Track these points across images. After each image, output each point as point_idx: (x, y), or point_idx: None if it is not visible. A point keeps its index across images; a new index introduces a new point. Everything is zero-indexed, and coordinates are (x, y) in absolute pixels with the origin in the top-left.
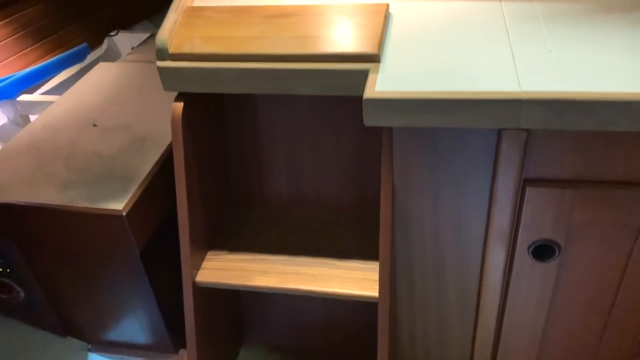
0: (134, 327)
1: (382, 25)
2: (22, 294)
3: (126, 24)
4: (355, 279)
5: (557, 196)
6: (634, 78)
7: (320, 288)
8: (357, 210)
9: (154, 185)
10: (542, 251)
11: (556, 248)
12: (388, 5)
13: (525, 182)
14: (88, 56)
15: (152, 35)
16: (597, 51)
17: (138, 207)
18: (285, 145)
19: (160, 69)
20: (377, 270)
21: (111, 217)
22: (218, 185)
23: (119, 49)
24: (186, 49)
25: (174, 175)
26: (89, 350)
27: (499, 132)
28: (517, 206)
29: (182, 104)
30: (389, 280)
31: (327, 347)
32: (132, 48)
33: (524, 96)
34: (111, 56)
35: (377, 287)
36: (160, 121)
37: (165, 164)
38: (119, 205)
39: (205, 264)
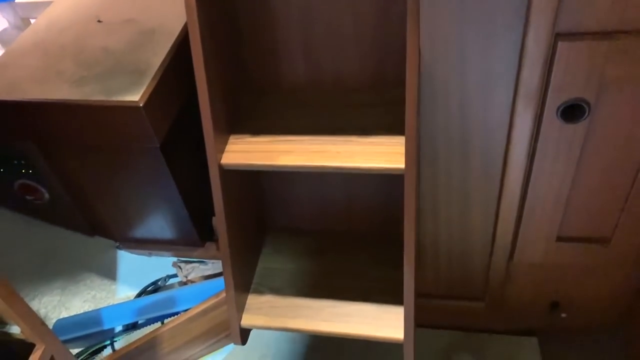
0: (160, 221)
1: None
2: (47, 195)
3: None
4: (380, 153)
5: (591, 50)
6: None
7: (345, 164)
8: (378, 89)
9: (168, 77)
10: (571, 112)
11: (586, 107)
12: None
13: (557, 37)
14: None
15: None
16: None
17: (154, 98)
18: (300, 23)
19: None
20: (401, 145)
21: (129, 109)
22: (234, 69)
23: None
24: None
25: (187, 64)
26: (117, 247)
27: None
28: (548, 64)
29: None
30: (416, 149)
31: (350, 230)
32: None
33: None
34: None
35: (403, 160)
36: (167, 13)
37: (177, 55)
38: (135, 96)
39: (228, 147)
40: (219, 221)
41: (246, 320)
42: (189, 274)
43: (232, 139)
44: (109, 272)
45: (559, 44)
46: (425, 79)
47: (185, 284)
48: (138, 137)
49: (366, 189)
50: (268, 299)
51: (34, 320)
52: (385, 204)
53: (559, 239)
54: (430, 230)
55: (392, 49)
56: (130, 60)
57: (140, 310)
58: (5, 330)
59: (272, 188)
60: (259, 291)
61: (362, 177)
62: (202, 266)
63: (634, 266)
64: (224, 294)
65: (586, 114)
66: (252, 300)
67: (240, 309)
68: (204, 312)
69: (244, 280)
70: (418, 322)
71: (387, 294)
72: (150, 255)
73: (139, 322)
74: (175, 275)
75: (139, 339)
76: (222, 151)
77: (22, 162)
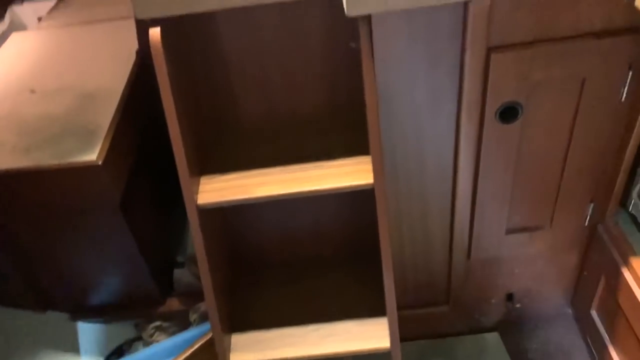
0: (118, 283)
1: None
2: None
3: None
4: (348, 173)
5: (518, 58)
6: None
7: (319, 186)
8: (334, 116)
9: (120, 134)
10: (507, 114)
11: (519, 108)
12: None
13: (490, 50)
14: None
15: (62, 0)
16: None
17: (111, 156)
18: (255, 63)
19: None
20: (367, 163)
21: (87, 169)
22: (195, 113)
23: (23, 21)
24: None
25: (136, 121)
26: (73, 320)
27: (465, 5)
28: (484, 74)
29: (159, 29)
30: (381, 163)
31: (321, 254)
32: (39, 18)
33: None
34: (17, 29)
35: (371, 176)
36: (102, 76)
37: (125, 113)
38: (92, 156)
39: (202, 187)
40: (201, 262)
41: (235, 359)
42: (153, 333)
43: (204, 179)
44: (70, 346)
45: (492, 56)
46: (380, 99)
47: (150, 344)
48: (96, 198)
49: (332, 213)
50: (253, 335)
51: None
52: (351, 224)
53: (508, 231)
54: (396, 241)
55: (342, 77)
56: (76, 124)
57: None
58: None
59: (241, 225)
60: (242, 328)
61: (328, 202)
62: (164, 324)
63: (571, 248)
64: (198, 344)
65: (519, 113)
66: (237, 338)
67: (227, 348)
68: None
69: (227, 319)
70: None
71: (366, 308)
72: (107, 321)
73: None
74: (139, 338)
75: None
76: (196, 192)
77: None
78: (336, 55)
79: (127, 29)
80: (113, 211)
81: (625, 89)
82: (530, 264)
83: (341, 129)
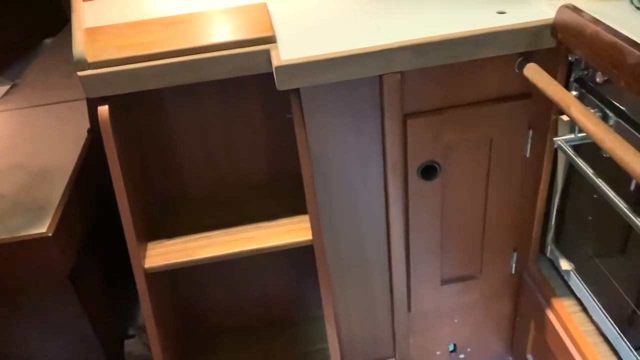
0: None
1: (268, 16)
2: None
3: None
4: (288, 232)
5: (430, 123)
6: (456, 25)
7: (260, 245)
8: (277, 181)
9: (70, 209)
10: (428, 172)
11: (437, 167)
12: (265, 3)
13: (406, 117)
14: None
15: (14, 85)
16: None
17: (61, 227)
18: (199, 136)
19: (82, 77)
20: (306, 222)
21: (37, 241)
22: (144, 183)
23: None
24: (104, 56)
25: (86, 196)
26: None
27: (380, 79)
28: (403, 137)
29: (107, 106)
30: (318, 221)
31: (268, 317)
32: None
33: (394, 45)
34: None
35: (309, 233)
36: (54, 155)
37: (75, 188)
38: (42, 229)
39: (149, 252)
40: (150, 328)
41: None
42: None
43: (151, 245)
44: None
45: (408, 121)
46: (315, 164)
47: None
48: (46, 270)
49: (279, 276)
50: None
51: None
52: (299, 286)
53: (443, 282)
54: (340, 296)
55: (283, 145)
56: (27, 200)
57: None
58: None
59: (190, 293)
60: None
61: (275, 265)
62: None
63: (503, 296)
64: None
65: (438, 171)
66: None
67: None
68: None
69: None
70: None
71: None
72: None
73: None
74: None
75: None
76: (144, 257)
77: None
78: (276, 126)
79: (78, 110)
80: (62, 282)
81: (529, 146)
82: (468, 314)
83: (283, 193)
